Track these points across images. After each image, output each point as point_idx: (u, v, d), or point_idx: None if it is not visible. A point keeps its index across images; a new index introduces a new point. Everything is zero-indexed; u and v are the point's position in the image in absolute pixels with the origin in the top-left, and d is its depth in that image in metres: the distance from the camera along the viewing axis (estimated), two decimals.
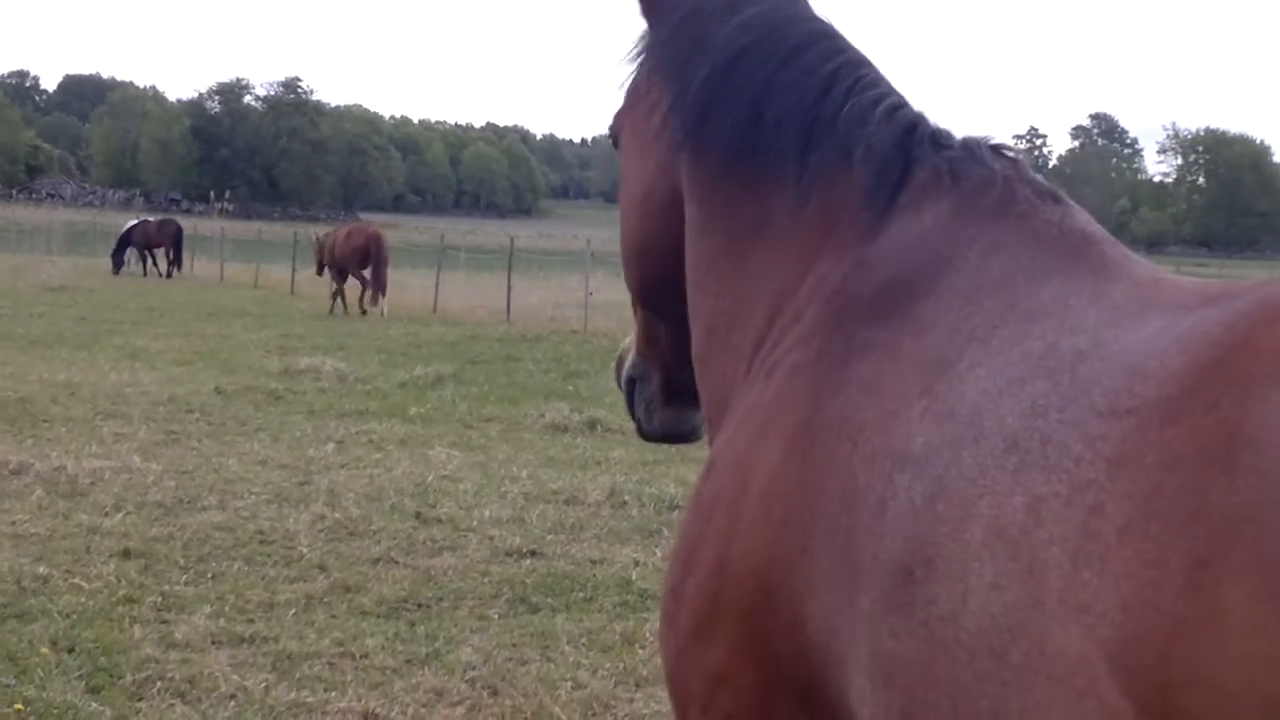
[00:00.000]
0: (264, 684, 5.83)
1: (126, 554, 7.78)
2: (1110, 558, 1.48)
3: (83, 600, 6.87)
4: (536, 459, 11.53)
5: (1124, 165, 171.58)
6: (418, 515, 9.08)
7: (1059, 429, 1.63)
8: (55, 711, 5.43)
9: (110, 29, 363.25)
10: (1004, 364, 1.81)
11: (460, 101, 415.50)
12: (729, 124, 2.48)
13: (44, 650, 6.09)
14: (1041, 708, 1.53)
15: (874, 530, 1.81)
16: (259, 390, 15.06)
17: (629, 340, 3.02)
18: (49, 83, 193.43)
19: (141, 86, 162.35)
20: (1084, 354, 1.72)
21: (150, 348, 19.21)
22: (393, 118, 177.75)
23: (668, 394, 2.90)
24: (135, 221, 42.85)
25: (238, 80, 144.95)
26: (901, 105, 2.39)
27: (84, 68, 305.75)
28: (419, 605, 7.15)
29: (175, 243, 40.54)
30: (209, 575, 7.50)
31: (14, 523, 8.36)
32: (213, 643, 6.37)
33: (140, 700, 5.64)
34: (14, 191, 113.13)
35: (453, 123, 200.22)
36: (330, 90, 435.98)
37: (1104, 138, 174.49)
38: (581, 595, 7.43)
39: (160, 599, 7.01)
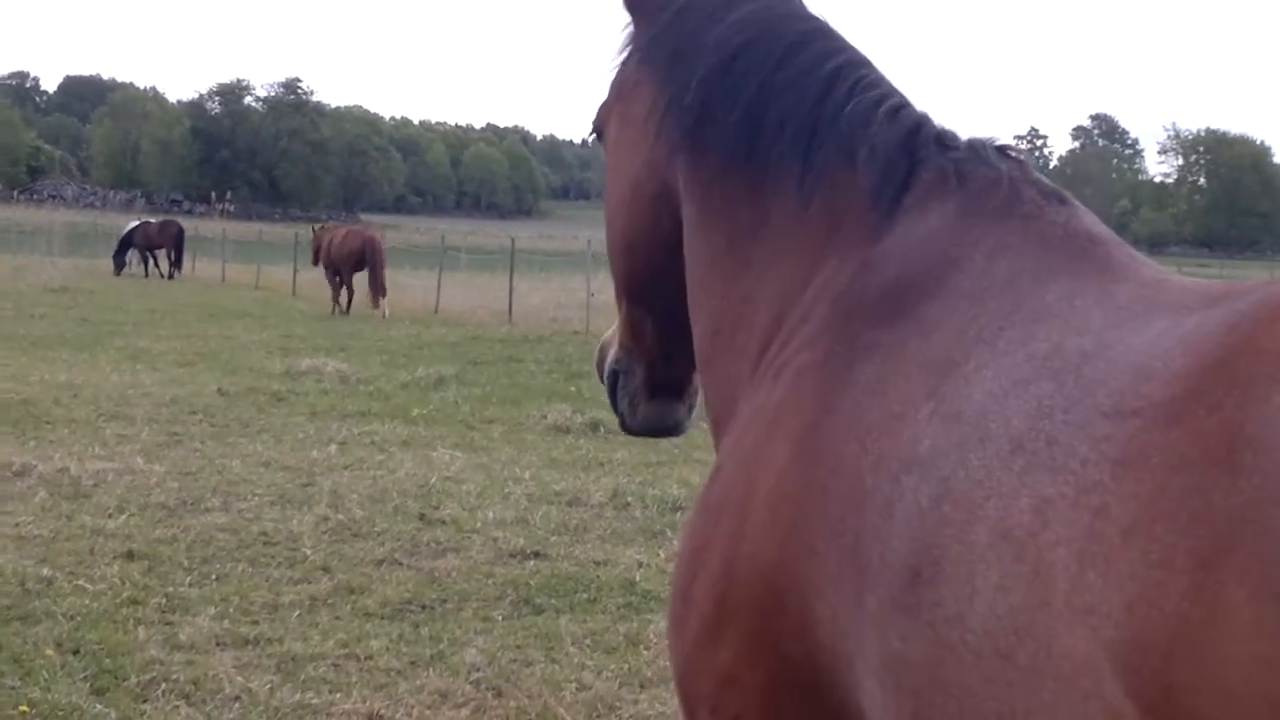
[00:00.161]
0: (269, 685, 5.84)
1: (130, 556, 7.79)
2: (1115, 559, 1.48)
3: (87, 602, 6.88)
4: (539, 460, 11.54)
5: (1125, 166, 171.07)
6: (421, 517, 9.09)
7: (1064, 430, 1.64)
8: (60, 713, 5.44)
9: (110, 30, 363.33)
10: (1010, 365, 1.81)
11: (461, 102, 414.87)
12: (729, 125, 2.47)
13: (49, 652, 6.09)
14: (1048, 709, 1.53)
15: (881, 532, 1.81)
16: (261, 391, 15.06)
17: (610, 332, 2.98)
18: (49, 84, 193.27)
19: (142, 87, 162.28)
20: (1089, 355, 1.72)
21: (152, 349, 19.22)
22: (393, 119, 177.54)
23: (651, 388, 2.88)
24: (137, 222, 42.85)
25: (238, 81, 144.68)
26: (904, 105, 2.39)
27: (84, 69, 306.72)
28: (423, 607, 7.16)
29: (177, 244, 40.56)
30: (213, 577, 7.50)
31: (17, 524, 8.36)
32: (217, 644, 6.37)
33: (145, 702, 5.65)
34: (15, 193, 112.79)
35: (453, 124, 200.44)
36: (331, 91, 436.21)
37: (1105, 138, 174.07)
38: (585, 597, 7.44)
39: (164, 601, 7.02)
